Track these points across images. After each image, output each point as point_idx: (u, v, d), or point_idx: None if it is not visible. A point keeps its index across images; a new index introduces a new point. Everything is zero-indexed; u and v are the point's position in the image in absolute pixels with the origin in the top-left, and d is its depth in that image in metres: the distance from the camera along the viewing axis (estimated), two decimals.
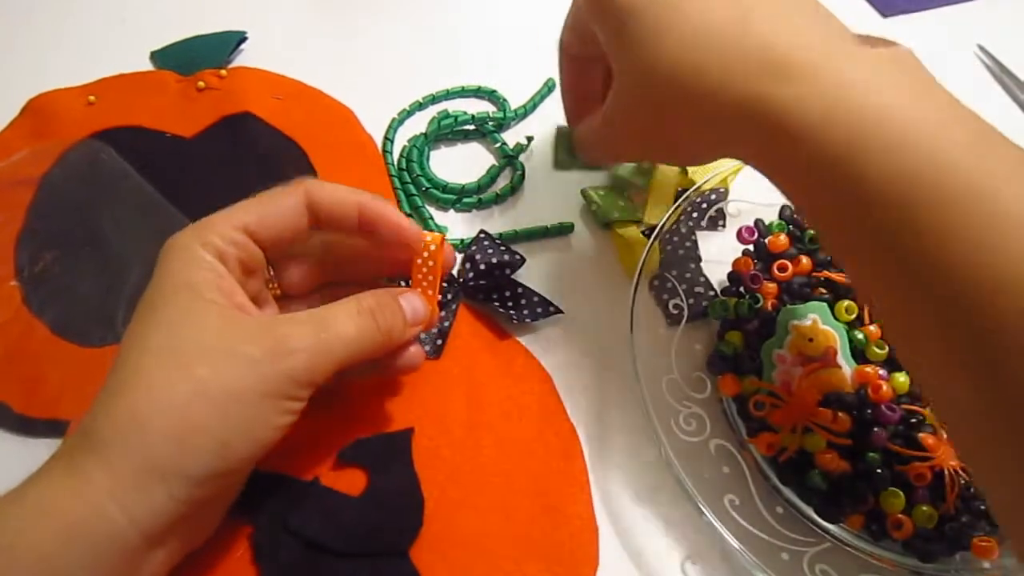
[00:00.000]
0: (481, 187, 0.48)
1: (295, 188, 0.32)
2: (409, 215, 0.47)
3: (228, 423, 0.27)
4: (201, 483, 0.27)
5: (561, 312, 0.43)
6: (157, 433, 0.26)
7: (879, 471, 0.35)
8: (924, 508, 0.35)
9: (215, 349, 0.27)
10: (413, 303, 0.33)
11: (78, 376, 0.39)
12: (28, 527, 0.25)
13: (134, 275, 0.42)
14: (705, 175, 0.45)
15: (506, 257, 0.43)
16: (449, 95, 0.53)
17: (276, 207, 0.32)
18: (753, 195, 0.45)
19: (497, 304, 0.42)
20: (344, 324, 0.30)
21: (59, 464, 0.27)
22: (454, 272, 0.43)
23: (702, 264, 0.44)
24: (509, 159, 0.50)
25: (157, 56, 0.54)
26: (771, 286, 0.41)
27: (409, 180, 0.48)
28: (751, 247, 0.43)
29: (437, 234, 0.34)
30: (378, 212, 0.33)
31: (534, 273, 0.44)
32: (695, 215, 0.44)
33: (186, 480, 0.27)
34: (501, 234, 0.46)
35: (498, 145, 0.51)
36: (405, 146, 0.50)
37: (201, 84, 0.51)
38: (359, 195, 0.33)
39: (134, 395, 0.27)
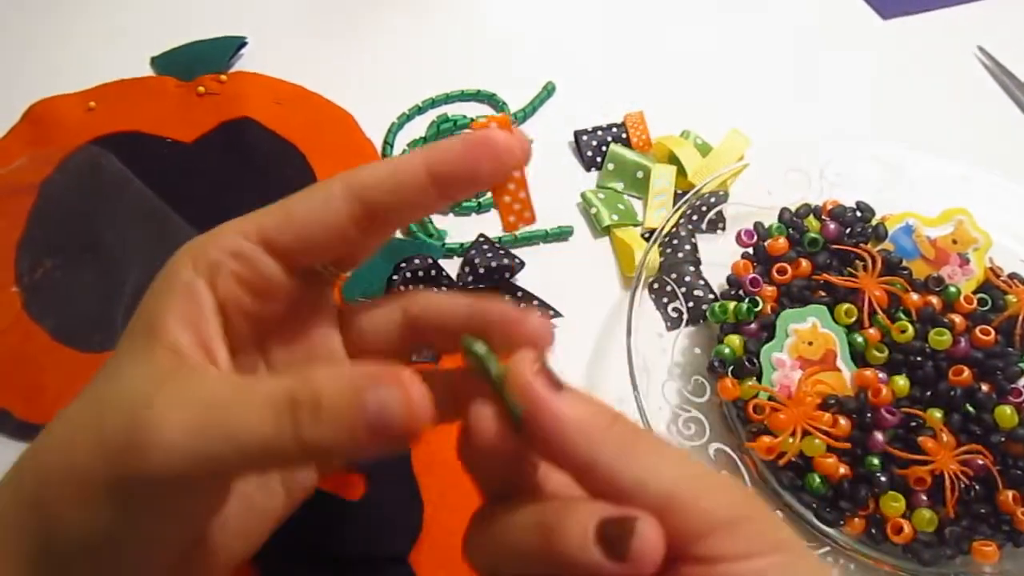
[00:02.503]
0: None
1: (330, 178, 0.25)
2: None
3: (62, 514, 0.21)
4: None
5: (560, 316, 0.43)
6: (27, 505, 0.22)
7: (879, 475, 0.35)
8: (924, 512, 0.34)
9: (90, 417, 0.22)
10: (384, 398, 0.19)
11: (78, 382, 0.38)
12: None
13: (134, 280, 0.42)
14: (705, 178, 0.45)
15: (505, 261, 0.43)
16: (449, 99, 0.53)
17: (305, 200, 0.24)
18: (752, 198, 0.45)
19: None
20: (244, 417, 0.20)
21: None
22: (452, 276, 0.43)
23: (701, 267, 0.44)
24: None
25: (157, 62, 0.54)
26: (770, 289, 0.41)
27: None
28: (750, 250, 0.43)
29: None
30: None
31: (533, 277, 0.44)
32: (695, 218, 0.44)
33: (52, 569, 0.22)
34: (500, 238, 0.46)
35: None
36: (405, 150, 0.50)
37: (201, 89, 0.51)
38: (419, 154, 0.24)
39: (38, 449, 0.23)
